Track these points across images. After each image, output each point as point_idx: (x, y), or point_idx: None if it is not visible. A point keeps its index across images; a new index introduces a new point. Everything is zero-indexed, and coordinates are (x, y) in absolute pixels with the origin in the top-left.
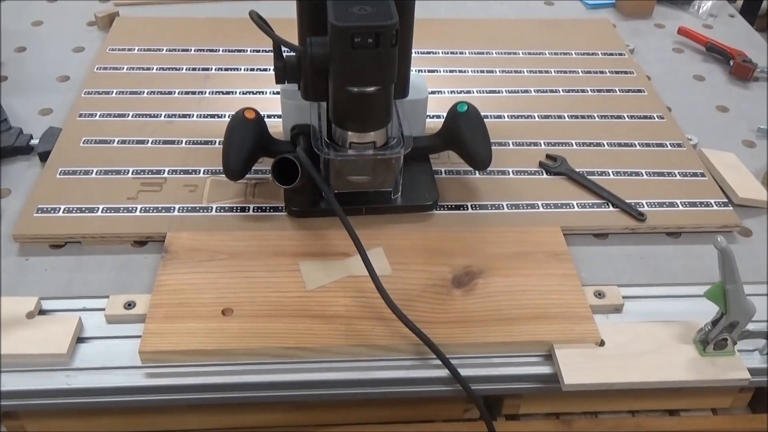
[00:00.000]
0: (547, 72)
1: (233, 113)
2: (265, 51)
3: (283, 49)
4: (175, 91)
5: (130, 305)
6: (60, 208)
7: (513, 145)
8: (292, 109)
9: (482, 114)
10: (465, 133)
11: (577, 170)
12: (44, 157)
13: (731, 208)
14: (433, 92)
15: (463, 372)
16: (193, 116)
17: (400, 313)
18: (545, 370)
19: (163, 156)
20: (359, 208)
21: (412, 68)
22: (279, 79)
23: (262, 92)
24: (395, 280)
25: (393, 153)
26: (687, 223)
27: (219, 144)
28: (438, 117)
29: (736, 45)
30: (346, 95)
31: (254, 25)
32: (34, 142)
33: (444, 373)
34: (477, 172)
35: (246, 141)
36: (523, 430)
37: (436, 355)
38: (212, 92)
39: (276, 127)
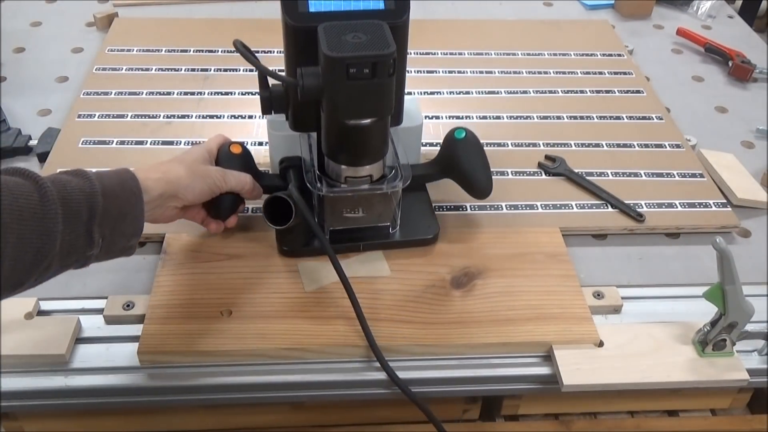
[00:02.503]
0: (546, 73)
1: (222, 146)
2: (265, 52)
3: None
4: (174, 92)
5: (128, 306)
6: None
7: (512, 145)
8: (281, 141)
9: (482, 115)
10: (463, 161)
11: (576, 171)
12: (43, 157)
13: (730, 208)
14: (432, 92)
15: (463, 372)
16: (192, 117)
17: (361, 315)
18: (544, 370)
19: (162, 157)
20: (356, 245)
21: (409, 72)
22: (265, 110)
23: None
24: (394, 281)
25: (391, 187)
26: (686, 224)
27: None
28: (437, 118)
29: (734, 46)
30: (340, 128)
31: (254, 25)
32: (33, 142)
33: (442, 374)
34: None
35: None
36: (522, 431)
37: (376, 358)
38: (211, 93)
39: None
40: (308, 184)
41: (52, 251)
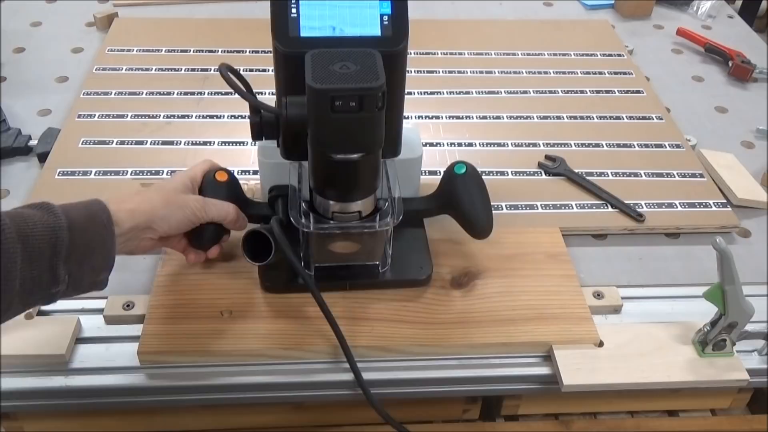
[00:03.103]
0: (546, 73)
1: (207, 172)
2: (265, 52)
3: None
4: (174, 92)
5: (128, 306)
6: None
7: (512, 145)
8: (271, 169)
9: (482, 115)
10: (463, 198)
11: (576, 171)
12: (43, 157)
13: (730, 208)
14: (432, 92)
15: (463, 373)
16: (192, 117)
17: (333, 320)
18: (544, 370)
19: (162, 157)
20: (343, 283)
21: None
22: (255, 136)
23: (262, 92)
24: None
25: (381, 226)
26: (686, 224)
27: (218, 144)
28: (437, 118)
29: (734, 46)
30: (327, 162)
31: (253, 25)
32: (33, 142)
33: (442, 374)
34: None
35: None
36: (522, 431)
37: (347, 359)
38: (211, 93)
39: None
40: (293, 221)
41: (11, 290)
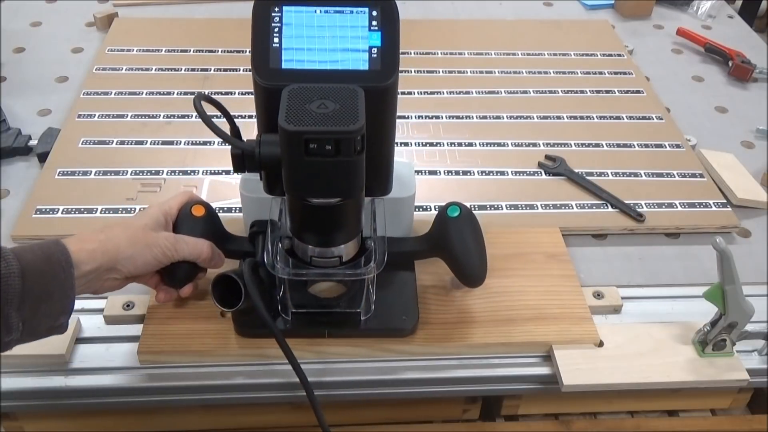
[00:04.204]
0: (546, 73)
1: (184, 206)
2: None
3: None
4: (174, 92)
5: (128, 306)
6: (59, 209)
7: (512, 145)
8: (253, 204)
9: (482, 115)
10: (455, 243)
11: (576, 171)
12: (43, 157)
13: (730, 208)
14: (432, 92)
15: (463, 373)
16: (191, 117)
17: (302, 373)
18: (544, 370)
19: (162, 156)
20: (321, 331)
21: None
22: (237, 168)
23: None
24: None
25: (363, 273)
26: (686, 224)
27: (218, 144)
28: (437, 118)
29: (734, 46)
30: (303, 206)
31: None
32: (33, 142)
33: (442, 374)
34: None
35: None
36: (522, 431)
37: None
38: (211, 93)
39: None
40: (268, 266)
41: None
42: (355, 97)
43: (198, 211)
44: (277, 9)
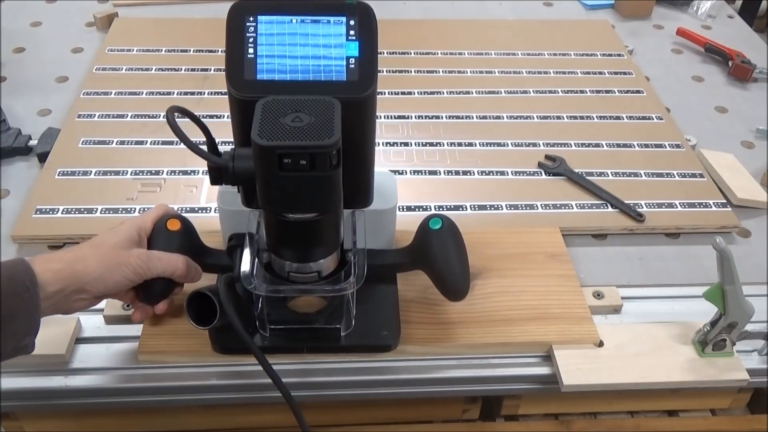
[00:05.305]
0: (546, 72)
1: (159, 220)
2: None
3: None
4: (174, 92)
5: (128, 306)
6: (59, 209)
7: (512, 145)
8: (231, 217)
9: (482, 115)
10: (437, 256)
11: (576, 171)
12: (43, 157)
13: (730, 208)
14: (432, 92)
15: (463, 373)
16: None
17: (284, 389)
18: (544, 370)
19: (162, 156)
20: (300, 347)
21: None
22: (214, 180)
23: None
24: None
25: (342, 289)
26: (686, 224)
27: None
28: (437, 118)
29: (734, 46)
30: (279, 221)
31: None
32: (33, 142)
33: (442, 374)
34: None
35: None
36: (522, 431)
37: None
38: (211, 93)
39: None
40: (244, 283)
41: None
42: (331, 109)
43: (173, 226)
44: (252, 18)
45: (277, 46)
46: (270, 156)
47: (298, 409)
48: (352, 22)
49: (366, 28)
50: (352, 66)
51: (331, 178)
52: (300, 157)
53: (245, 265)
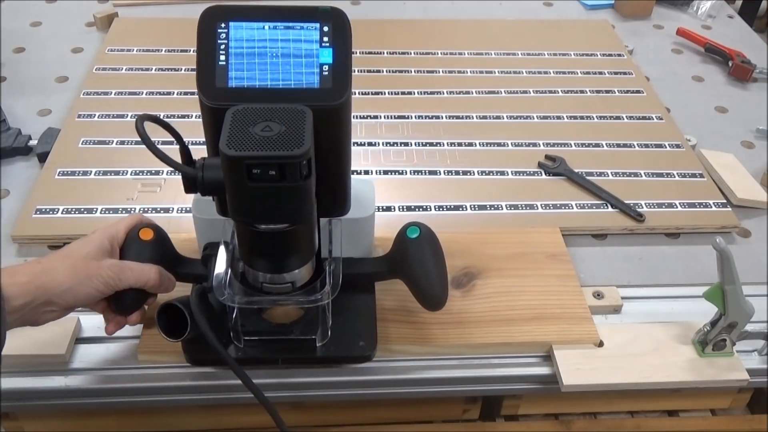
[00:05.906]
0: (546, 72)
1: (132, 229)
2: None
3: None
4: (173, 92)
5: None
6: (59, 209)
7: (512, 145)
8: (205, 225)
9: (481, 115)
10: (414, 266)
11: (576, 171)
12: (43, 157)
13: (730, 208)
14: (432, 92)
15: (463, 373)
16: (192, 117)
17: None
18: (544, 370)
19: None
20: (275, 359)
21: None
22: (188, 189)
23: None
24: (393, 281)
25: (316, 300)
26: (686, 224)
27: None
28: (437, 118)
29: (734, 46)
30: (251, 232)
31: None
32: (33, 142)
33: (442, 374)
34: None
35: None
36: (522, 431)
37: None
38: None
39: None
40: (214, 292)
41: None
42: (302, 118)
43: (146, 235)
44: (223, 25)
45: (248, 53)
46: (238, 166)
47: (276, 415)
48: (325, 29)
49: (340, 35)
50: (326, 73)
51: (302, 188)
52: (269, 168)
53: (218, 275)
